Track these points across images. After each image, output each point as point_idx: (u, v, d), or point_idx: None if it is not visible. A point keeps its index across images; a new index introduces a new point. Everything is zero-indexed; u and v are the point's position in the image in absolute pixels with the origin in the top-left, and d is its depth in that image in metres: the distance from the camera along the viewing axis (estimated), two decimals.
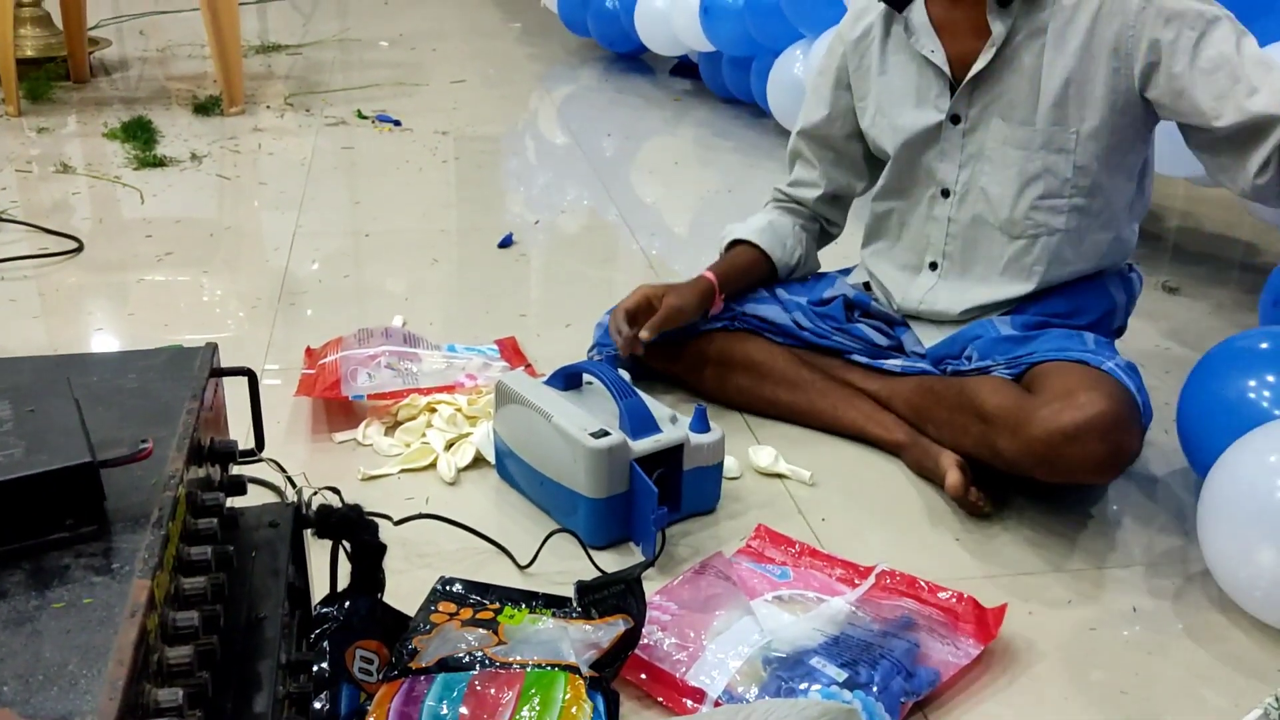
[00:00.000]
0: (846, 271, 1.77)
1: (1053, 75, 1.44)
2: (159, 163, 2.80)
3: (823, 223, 1.76)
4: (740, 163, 3.00)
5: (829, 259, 1.81)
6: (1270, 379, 1.30)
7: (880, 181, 1.65)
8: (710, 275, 1.66)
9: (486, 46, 4.53)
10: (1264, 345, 1.36)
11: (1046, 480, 1.37)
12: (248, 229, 2.47)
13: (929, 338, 1.60)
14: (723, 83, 3.46)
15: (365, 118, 3.30)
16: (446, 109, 3.47)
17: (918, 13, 1.52)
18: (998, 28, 1.45)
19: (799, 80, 2.82)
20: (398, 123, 3.26)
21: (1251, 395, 1.30)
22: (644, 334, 1.57)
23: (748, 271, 1.70)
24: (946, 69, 1.50)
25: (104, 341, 1.92)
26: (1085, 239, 1.51)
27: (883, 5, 1.56)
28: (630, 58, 4.17)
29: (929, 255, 1.61)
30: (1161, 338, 1.95)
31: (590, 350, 1.73)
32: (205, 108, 3.31)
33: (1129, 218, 1.55)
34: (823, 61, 1.68)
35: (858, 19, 1.62)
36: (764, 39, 3.01)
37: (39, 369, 0.89)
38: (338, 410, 1.62)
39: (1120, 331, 1.64)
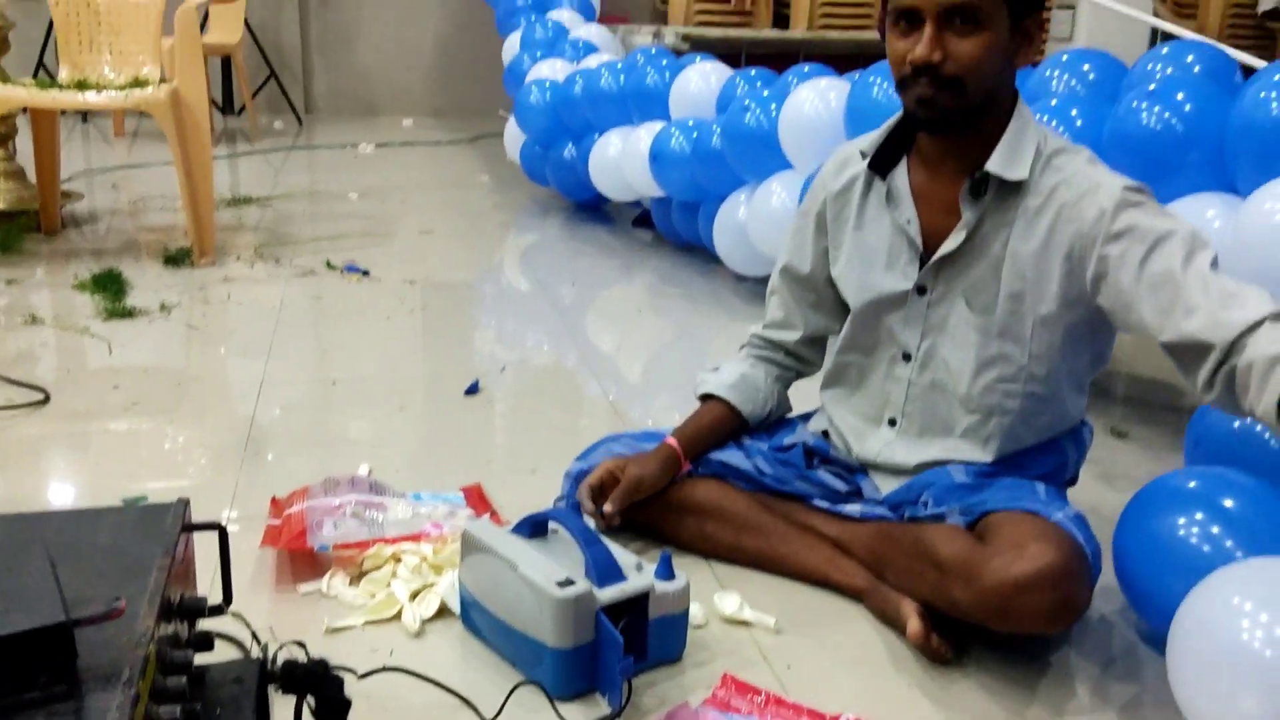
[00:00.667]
0: (807, 417, 1.81)
1: (1013, 268, 1.48)
2: (128, 313, 2.83)
3: (799, 365, 1.78)
4: (690, 310, 3.10)
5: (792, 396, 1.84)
6: (1199, 517, 1.35)
7: (842, 333, 1.66)
8: (673, 442, 1.69)
9: (455, 197, 4.66)
10: (1192, 484, 1.41)
11: (1000, 630, 1.38)
12: (215, 378, 2.50)
13: (886, 485, 1.63)
14: (674, 228, 3.60)
15: (334, 267, 3.37)
16: (414, 259, 3.55)
17: (900, 177, 1.56)
18: (968, 214, 1.49)
19: (742, 225, 2.96)
20: (366, 272, 3.33)
21: (1181, 533, 1.35)
22: (608, 508, 1.61)
23: (715, 430, 1.72)
24: (919, 241, 1.54)
25: (65, 492, 1.91)
26: (1039, 419, 1.55)
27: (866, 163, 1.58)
28: (591, 207, 4.31)
29: (888, 412, 1.63)
30: (1103, 482, 1.99)
31: (558, 500, 1.75)
32: (175, 259, 3.36)
33: (1079, 393, 1.59)
34: (806, 204, 1.70)
35: (841, 169, 1.64)
36: (710, 185, 3.16)
37: (13, 527, 0.91)
38: (303, 560, 1.62)
39: (1072, 481, 1.67)
